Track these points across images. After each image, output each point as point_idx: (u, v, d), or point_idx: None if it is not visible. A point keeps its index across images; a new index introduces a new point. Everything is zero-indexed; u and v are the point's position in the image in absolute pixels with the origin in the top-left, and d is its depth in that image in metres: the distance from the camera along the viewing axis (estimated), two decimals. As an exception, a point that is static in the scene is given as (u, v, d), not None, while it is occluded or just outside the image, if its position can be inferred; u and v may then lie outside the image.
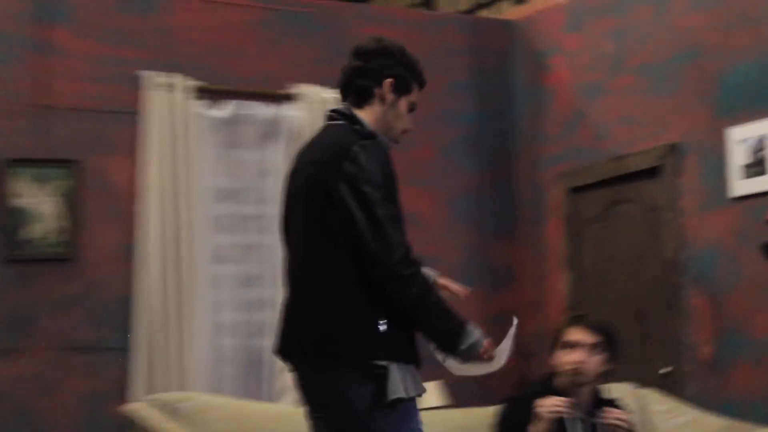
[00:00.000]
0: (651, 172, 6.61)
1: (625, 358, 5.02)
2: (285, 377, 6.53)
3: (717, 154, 6.22)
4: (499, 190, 7.70)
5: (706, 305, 6.28)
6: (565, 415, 4.36)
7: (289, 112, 6.97)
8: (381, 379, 3.38)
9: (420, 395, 3.49)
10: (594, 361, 4.52)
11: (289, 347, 3.55)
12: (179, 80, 6.68)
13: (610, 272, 6.93)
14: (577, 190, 7.20)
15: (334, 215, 3.44)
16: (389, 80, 3.68)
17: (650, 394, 5.50)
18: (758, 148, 5.98)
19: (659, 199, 6.58)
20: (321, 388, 3.46)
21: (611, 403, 4.59)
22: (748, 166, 6.01)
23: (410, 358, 3.48)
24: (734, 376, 6.10)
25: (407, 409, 3.44)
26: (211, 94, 6.84)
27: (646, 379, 6.00)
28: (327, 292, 3.43)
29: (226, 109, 6.87)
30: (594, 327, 4.60)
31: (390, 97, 3.68)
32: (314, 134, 3.78)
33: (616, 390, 4.98)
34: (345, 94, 3.74)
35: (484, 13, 8.57)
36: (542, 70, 7.59)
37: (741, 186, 6.09)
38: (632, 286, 6.75)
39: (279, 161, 6.89)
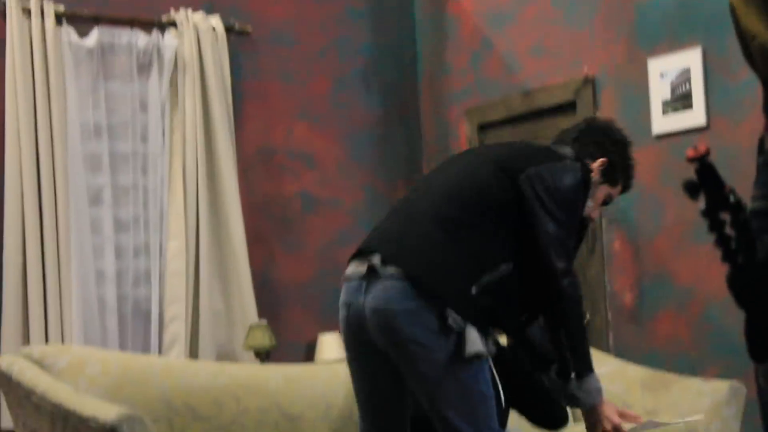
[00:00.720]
0: (566, 108, 6.26)
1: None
2: (174, 328, 6.27)
3: (637, 88, 5.89)
4: (401, 127, 7.24)
5: (627, 250, 6.00)
6: None
7: (166, 41, 6.44)
8: (460, 333, 3.38)
9: (494, 354, 3.53)
10: None
11: (387, 251, 3.48)
12: (41, 4, 6.13)
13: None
14: (486, 126, 6.80)
15: (507, 194, 3.52)
16: (603, 160, 3.77)
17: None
18: (682, 82, 5.60)
19: (575, 137, 6.18)
20: (396, 319, 3.40)
21: None
22: (672, 101, 5.65)
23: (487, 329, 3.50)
24: (657, 325, 5.87)
25: (482, 366, 3.44)
26: (78, 20, 6.28)
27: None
28: (455, 237, 3.46)
29: (95, 38, 6.32)
30: None
31: (596, 176, 3.75)
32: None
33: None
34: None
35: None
36: (445, -4, 7.13)
37: (664, 123, 5.77)
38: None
39: (159, 95, 6.44)
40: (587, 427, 3.65)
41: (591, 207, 3.76)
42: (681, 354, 5.72)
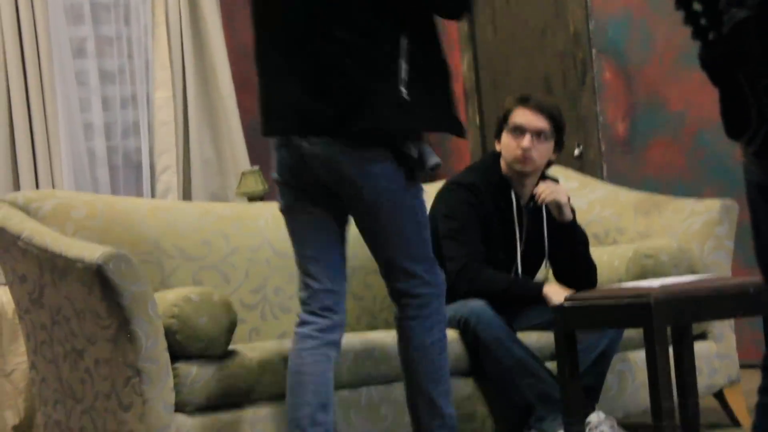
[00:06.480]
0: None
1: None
2: (166, 178, 6.28)
3: None
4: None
5: (618, 80, 5.94)
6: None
7: None
8: (408, 158, 3.29)
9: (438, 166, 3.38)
10: (541, 150, 4.18)
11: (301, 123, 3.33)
12: None
13: (512, 49, 6.43)
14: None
15: None
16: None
17: (562, 171, 5.10)
18: None
19: (562, -35, 6.11)
20: (339, 162, 3.30)
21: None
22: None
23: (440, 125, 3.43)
24: (651, 153, 5.84)
25: (421, 192, 3.39)
26: None
27: (559, 161, 5.57)
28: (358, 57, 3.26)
29: None
30: (542, 110, 4.19)
31: None
32: None
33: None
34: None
35: None
36: None
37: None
38: (537, 63, 6.28)
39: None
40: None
41: None
42: (676, 180, 5.70)
